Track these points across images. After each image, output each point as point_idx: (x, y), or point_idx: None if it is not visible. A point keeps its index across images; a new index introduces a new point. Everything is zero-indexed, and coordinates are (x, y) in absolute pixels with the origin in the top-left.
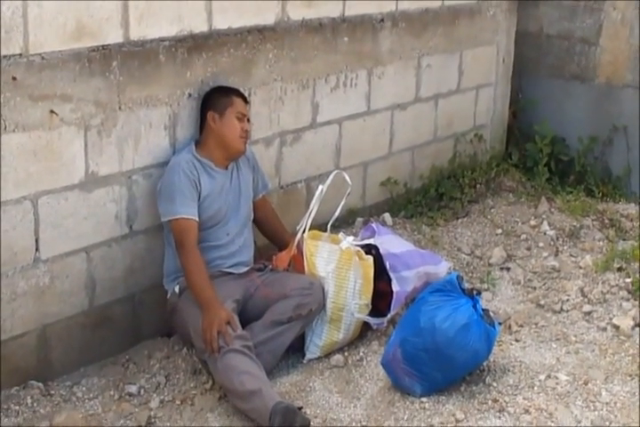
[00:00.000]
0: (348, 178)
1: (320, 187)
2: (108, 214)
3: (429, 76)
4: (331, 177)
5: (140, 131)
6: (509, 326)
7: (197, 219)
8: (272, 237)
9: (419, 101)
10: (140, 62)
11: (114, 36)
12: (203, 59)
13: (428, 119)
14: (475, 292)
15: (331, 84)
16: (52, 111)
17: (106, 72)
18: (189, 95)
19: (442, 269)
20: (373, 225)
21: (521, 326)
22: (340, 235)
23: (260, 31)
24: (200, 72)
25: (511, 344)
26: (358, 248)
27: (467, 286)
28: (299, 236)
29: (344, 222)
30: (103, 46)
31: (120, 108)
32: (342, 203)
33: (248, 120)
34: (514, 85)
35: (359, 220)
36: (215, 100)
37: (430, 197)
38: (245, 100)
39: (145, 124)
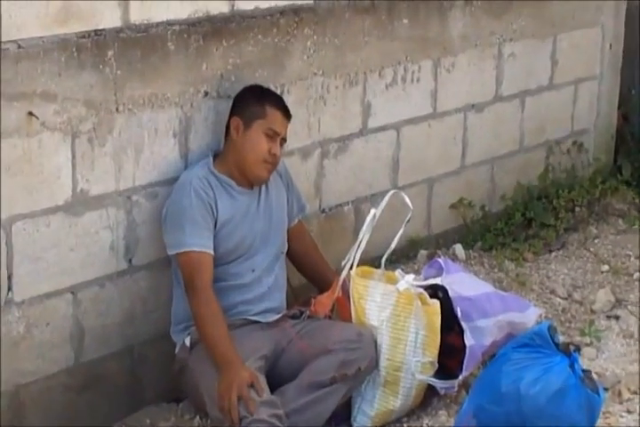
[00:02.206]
0: (408, 200)
1: (372, 211)
2: (100, 245)
3: (513, 68)
4: (386, 198)
5: (143, 139)
6: (619, 393)
7: (212, 252)
8: (311, 274)
9: (499, 101)
10: (144, 52)
11: (110, 19)
12: (222, 47)
13: (511, 123)
14: (573, 347)
15: (386, 80)
16: (30, 113)
17: (99, 64)
18: (205, 94)
19: (530, 317)
20: (440, 260)
21: (634, 392)
22: (398, 272)
23: (296, 12)
24: (219, 64)
25: (621, 416)
26: (421, 290)
27: (562, 339)
28: (344, 273)
29: (403, 256)
30: (96, 31)
31: (117, 109)
32: (401, 231)
33: (283, 141)
34: (624, 79)
35: (422, 253)
36: (245, 103)
37: (515, 224)
38: (286, 115)
39: (149, 131)
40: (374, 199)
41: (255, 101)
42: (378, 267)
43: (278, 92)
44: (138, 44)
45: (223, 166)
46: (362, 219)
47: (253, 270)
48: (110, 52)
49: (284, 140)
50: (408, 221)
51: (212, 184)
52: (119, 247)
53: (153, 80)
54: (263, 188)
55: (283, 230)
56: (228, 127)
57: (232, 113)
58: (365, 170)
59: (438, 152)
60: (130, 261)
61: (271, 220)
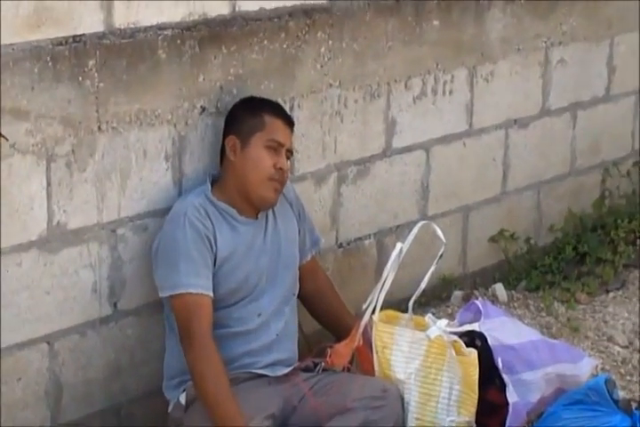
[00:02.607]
0: (440, 232)
1: (398, 245)
2: (80, 286)
3: (563, 77)
4: (414, 231)
5: (130, 162)
6: None
7: (212, 294)
8: (326, 319)
9: (547, 115)
10: (130, 61)
11: (90, 23)
12: (222, 55)
13: (561, 141)
14: (635, 405)
15: (413, 92)
16: None
17: (79, 76)
18: (203, 110)
19: (583, 369)
20: (478, 302)
21: None
22: (428, 317)
23: (307, 13)
24: (218, 75)
25: None
26: (455, 337)
27: (622, 395)
28: (366, 318)
29: (434, 298)
30: (75, 37)
31: (100, 128)
32: (432, 269)
33: (290, 154)
34: None
35: (457, 294)
36: (238, 118)
37: (566, 260)
38: (288, 122)
39: (136, 153)
40: (400, 231)
41: (250, 113)
42: (405, 311)
43: (287, 107)
44: (123, 52)
45: (223, 193)
46: (386, 254)
47: (259, 315)
48: (91, 62)
49: (289, 152)
50: (440, 256)
51: (211, 214)
52: (102, 289)
53: (141, 94)
54: (270, 217)
55: (293, 268)
56: (222, 150)
57: (226, 133)
58: (390, 197)
59: (475, 176)
60: (115, 305)
61: (280, 255)
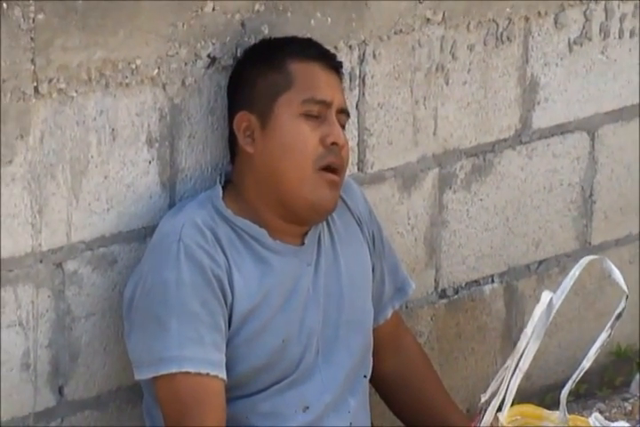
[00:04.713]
0: (618, 274)
1: (546, 295)
2: (5, 360)
3: None
4: (574, 272)
5: (88, 149)
6: None
7: (224, 374)
8: (419, 417)
9: None
10: None
11: None
12: None
13: None
14: None
15: (569, 32)
16: None
17: (6, 7)
18: (211, 61)
19: None
20: None
21: None
22: (594, 418)
23: None
24: (238, 1)
25: None
26: None
27: None
28: (487, 419)
29: (602, 385)
30: None
31: (37, 90)
32: (603, 337)
33: (345, 117)
34: None
35: None
36: (248, 79)
37: None
38: (329, 64)
39: (99, 133)
40: (547, 271)
41: (264, 66)
42: (551, 406)
43: (355, 56)
44: None
45: (242, 203)
46: (521, 309)
47: (306, 409)
48: None
49: (344, 113)
50: (619, 316)
51: (223, 238)
52: (39, 365)
53: (107, 33)
54: (325, 242)
55: (364, 332)
56: (232, 137)
57: (232, 109)
58: (527, 211)
59: None
60: (60, 391)
61: (341, 309)
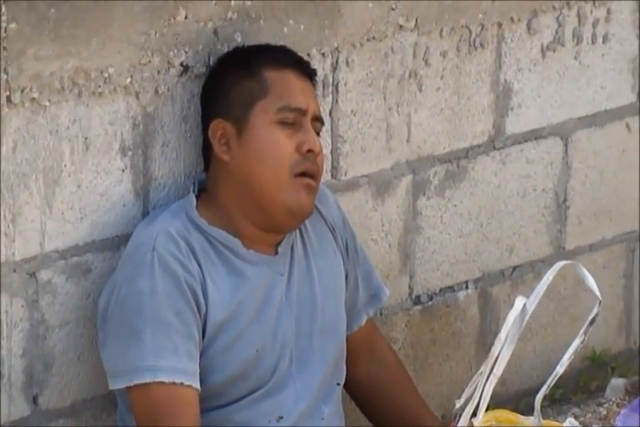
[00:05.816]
0: (591, 280)
1: (520, 301)
2: None
3: None
4: (547, 277)
5: (61, 158)
6: None
7: (198, 384)
8: (392, 421)
9: None
10: None
11: None
12: None
13: None
14: None
15: (542, 38)
16: None
17: None
18: (184, 69)
19: None
20: None
21: None
22: (568, 423)
23: None
24: (211, 10)
25: None
26: None
27: None
28: (462, 424)
29: (577, 390)
30: None
31: (9, 100)
32: (577, 342)
33: (319, 124)
34: None
35: (616, 383)
36: (223, 87)
37: None
38: (303, 72)
39: (72, 142)
40: (520, 277)
41: (239, 74)
42: (525, 411)
43: (328, 63)
44: None
45: (216, 212)
46: (496, 315)
47: (280, 419)
48: None
49: (318, 121)
50: (592, 322)
51: (197, 248)
52: (14, 375)
53: (80, 42)
54: (298, 251)
55: (337, 340)
56: (206, 145)
57: (207, 117)
58: (502, 218)
59: None
60: (35, 401)
61: (315, 318)
